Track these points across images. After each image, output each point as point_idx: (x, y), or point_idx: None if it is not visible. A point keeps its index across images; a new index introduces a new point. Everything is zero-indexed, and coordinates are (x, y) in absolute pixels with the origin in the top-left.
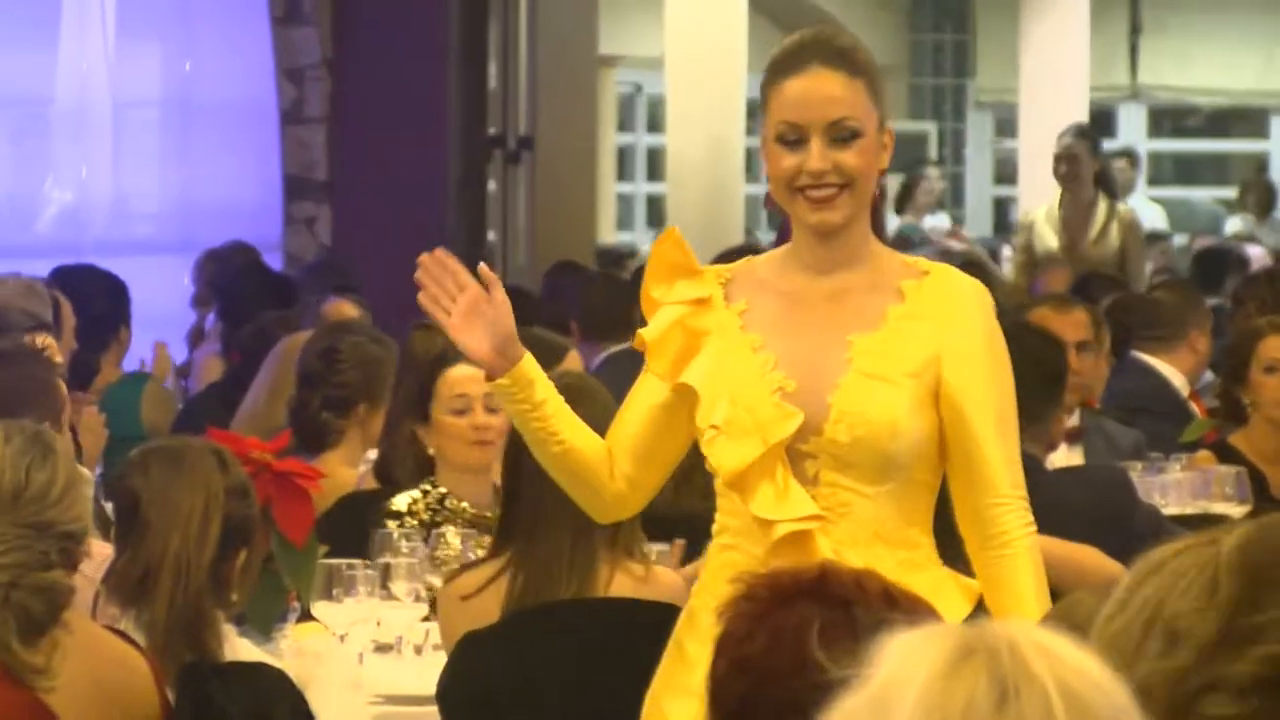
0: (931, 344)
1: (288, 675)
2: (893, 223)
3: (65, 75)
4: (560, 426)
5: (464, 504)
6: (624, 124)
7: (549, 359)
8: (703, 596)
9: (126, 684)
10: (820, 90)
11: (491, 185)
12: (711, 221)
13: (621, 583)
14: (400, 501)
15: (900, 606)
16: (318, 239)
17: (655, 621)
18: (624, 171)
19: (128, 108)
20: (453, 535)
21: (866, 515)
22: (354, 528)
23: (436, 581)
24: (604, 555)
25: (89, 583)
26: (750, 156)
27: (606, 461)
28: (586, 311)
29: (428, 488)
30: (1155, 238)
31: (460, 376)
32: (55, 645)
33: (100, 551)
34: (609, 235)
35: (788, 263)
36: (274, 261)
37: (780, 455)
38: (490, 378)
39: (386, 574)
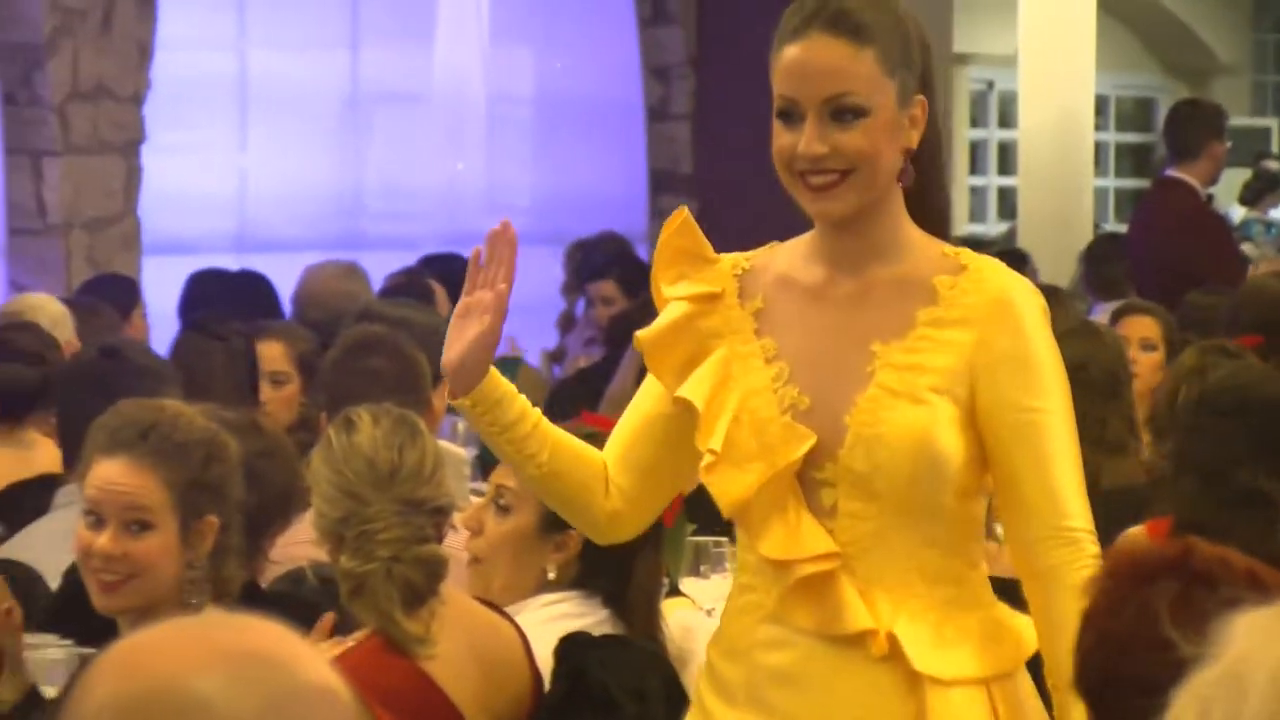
0: (963, 354)
1: (662, 649)
2: (1237, 215)
3: (442, 72)
4: (537, 448)
5: None
6: (976, 119)
7: None
8: (721, 644)
9: (500, 652)
10: (816, 61)
11: None
12: (1061, 213)
13: None
14: None
15: (1263, 585)
16: None
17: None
18: (976, 165)
19: (501, 104)
20: None
21: (896, 550)
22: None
23: None
24: None
25: (453, 555)
26: (1099, 150)
27: (601, 478)
28: None
29: None
30: None
31: None
32: (433, 615)
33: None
34: (962, 226)
35: (810, 253)
36: (641, 252)
37: (790, 484)
38: (453, 395)
39: None
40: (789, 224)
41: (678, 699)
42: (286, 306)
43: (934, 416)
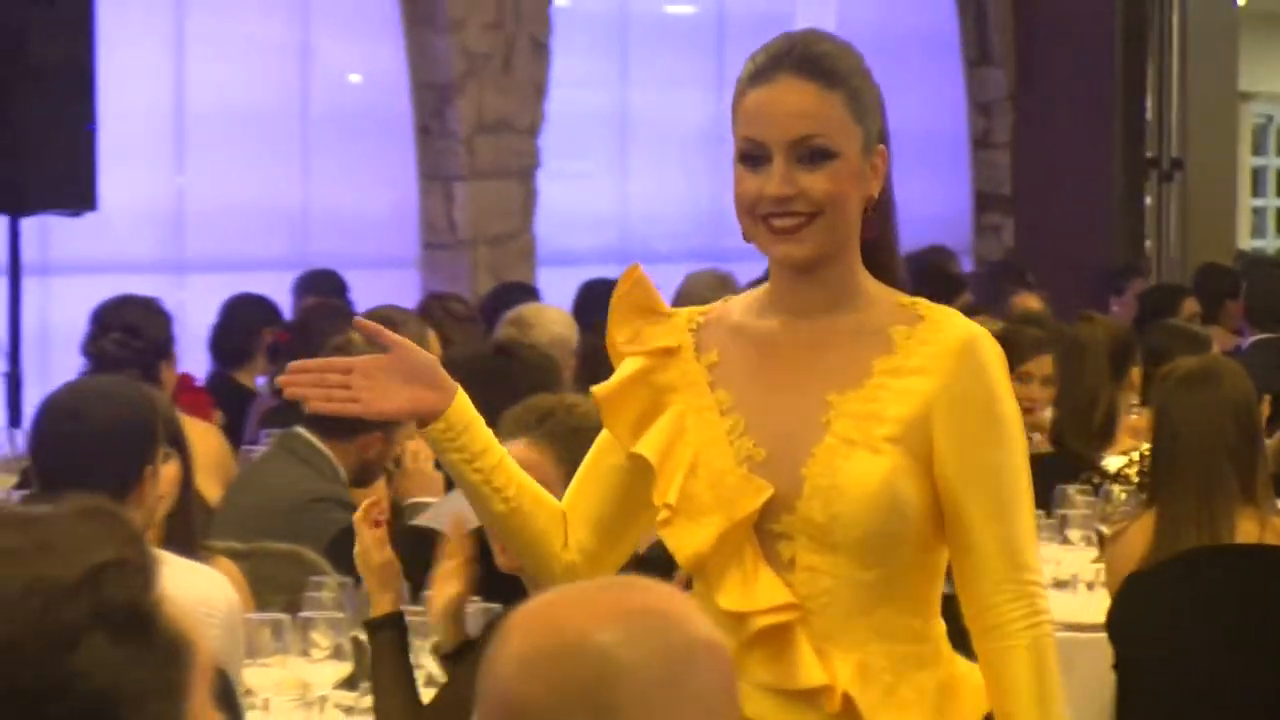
0: (920, 403)
1: None
2: None
3: None
4: (504, 482)
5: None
6: (1258, 148)
7: (1191, 348)
8: None
9: None
10: (785, 103)
11: (1148, 199)
12: None
13: (1247, 530)
14: (1114, 464)
15: None
16: (1003, 244)
17: None
18: (1258, 189)
19: None
20: (1117, 490)
21: (855, 605)
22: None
23: (1105, 530)
24: (1236, 507)
25: None
26: None
27: (559, 530)
28: (1250, 299)
29: (1136, 455)
30: None
31: None
32: None
33: None
34: (1245, 242)
35: (765, 304)
36: (966, 263)
37: (747, 536)
38: (422, 424)
39: (1064, 523)
40: (1096, 237)
41: None
42: None
43: (891, 465)
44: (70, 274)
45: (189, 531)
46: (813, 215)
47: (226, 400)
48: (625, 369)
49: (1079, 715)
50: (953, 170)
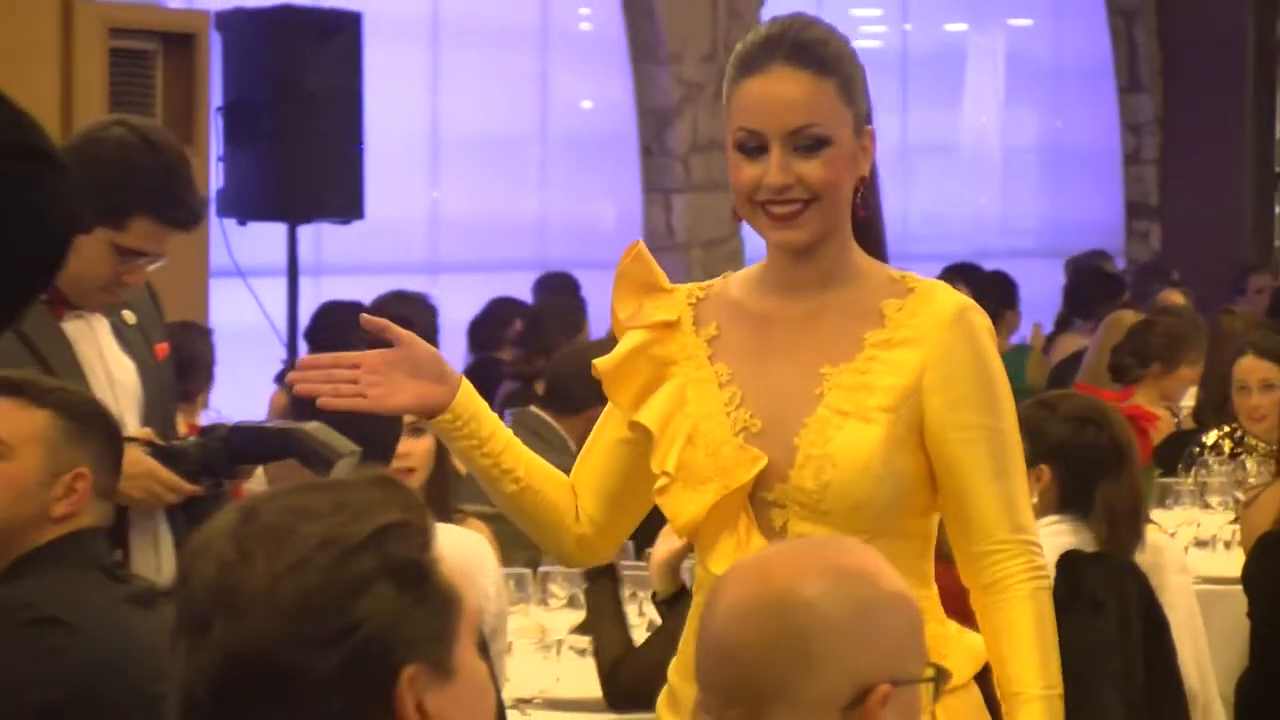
0: (911, 373)
1: (1137, 565)
2: None
3: (968, 128)
4: (514, 463)
5: (1258, 441)
6: None
7: None
8: (679, 667)
9: None
10: (781, 93)
11: (1276, 208)
12: None
13: None
14: (1210, 436)
15: None
16: (1150, 247)
17: None
18: None
19: (1014, 153)
20: (1250, 462)
21: None
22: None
23: (1241, 495)
24: None
25: None
26: None
27: (570, 502)
28: None
29: (1227, 429)
30: None
31: (1248, 365)
32: None
33: None
34: None
35: (763, 282)
36: (1119, 263)
37: (743, 504)
38: (430, 416)
39: (1204, 490)
40: (1231, 240)
41: (1149, 601)
42: None
43: (883, 435)
44: (340, 275)
45: (444, 497)
46: (809, 201)
47: (480, 384)
48: (627, 342)
49: (1218, 656)
50: (1108, 183)
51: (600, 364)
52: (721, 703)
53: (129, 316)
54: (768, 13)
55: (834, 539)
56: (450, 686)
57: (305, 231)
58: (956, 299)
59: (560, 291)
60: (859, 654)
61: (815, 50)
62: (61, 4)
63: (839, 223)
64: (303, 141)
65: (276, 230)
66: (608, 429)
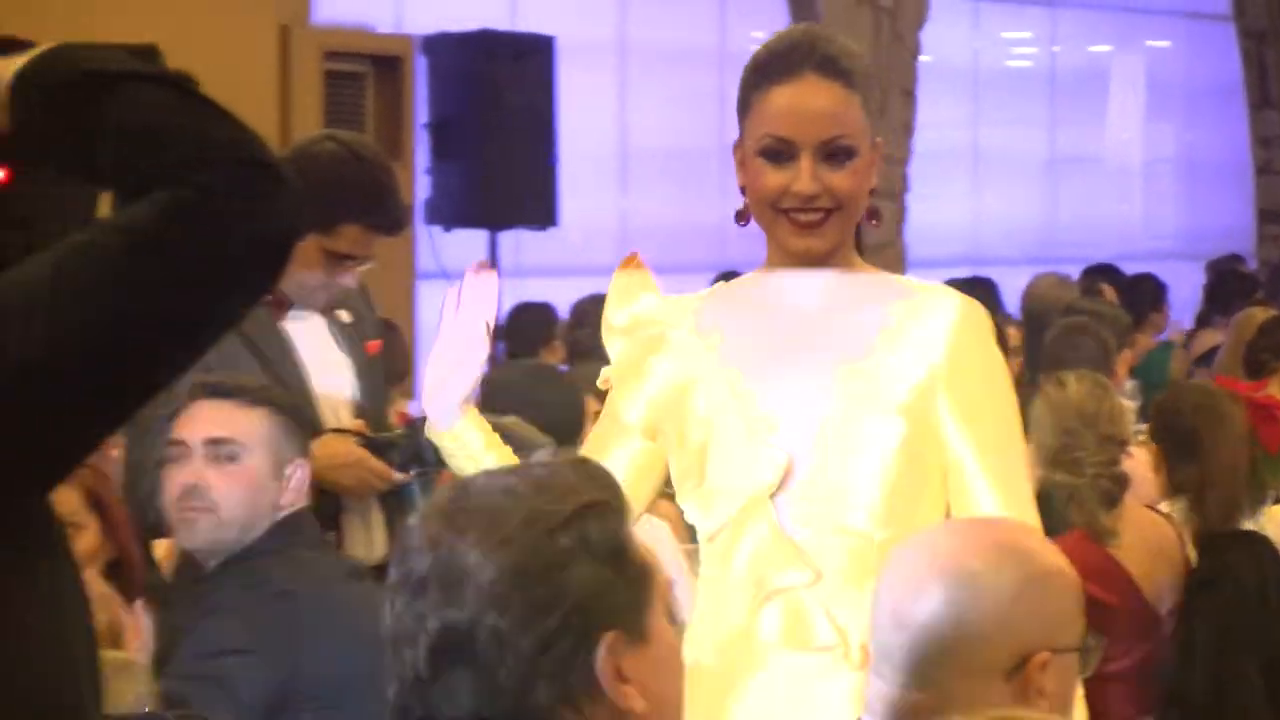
0: (923, 371)
1: (1272, 543)
2: None
3: (1111, 140)
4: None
5: None
6: None
7: None
8: (691, 651)
9: (1161, 543)
10: (814, 103)
11: None
12: None
13: None
14: None
15: None
16: None
17: None
18: None
19: (1154, 164)
20: None
21: (866, 566)
22: None
23: None
24: None
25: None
26: None
27: None
28: None
29: None
30: None
31: None
32: (1120, 516)
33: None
34: None
35: (768, 286)
36: (1250, 264)
37: (765, 504)
38: (435, 427)
39: None
40: None
41: None
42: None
43: (897, 432)
44: (536, 277)
45: None
46: (831, 211)
47: None
48: (629, 351)
49: None
50: (1240, 192)
51: (609, 372)
52: (893, 667)
53: (344, 315)
54: (927, 35)
55: (998, 519)
56: (646, 651)
57: (504, 237)
58: (961, 300)
59: None
60: (1021, 624)
61: (843, 63)
62: (280, 31)
63: (851, 231)
64: (501, 155)
65: (478, 236)
66: (612, 431)
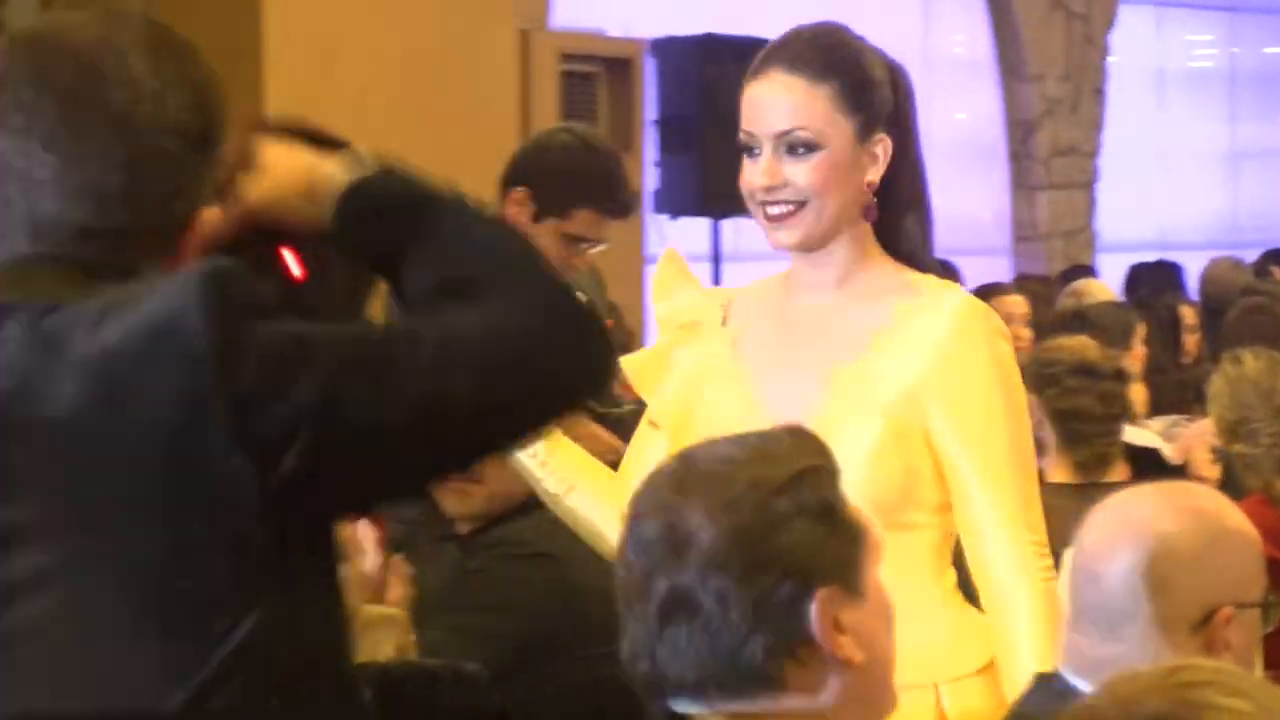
0: (922, 372)
1: None
2: None
3: None
4: (560, 465)
5: None
6: None
7: None
8: None
9: None
10: (770, 97)
11: None
12: None
13: None
14: None
15: None
16: None
17: None
18: None
19: None
20: None
21: None
22: None
23: None
24: None
25: None
26: None
27: (617, 500)
28: None
29: None
30: None
31: None
32: None
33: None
34: None
35: (787, 283)
36: None
37: None
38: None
39: None
40: None
41: None
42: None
43: (888, 432)
44: (755, 261)
45: None
46: (800, 204)
47: None
48: (657, 341)
49: None
50: None
51: (627, 362)
52: (1088, 620)
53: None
54: (1115, 38)
55: (1186, 485)
56: (861, 604)
57: (726, 225)
58: (967, 303)
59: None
60: (1208, 581)
61: (817, 57)
62: (520, 35)
63: (840, 226)
64: (724, 149)
65: (701, 224)
66: (643, 435)
